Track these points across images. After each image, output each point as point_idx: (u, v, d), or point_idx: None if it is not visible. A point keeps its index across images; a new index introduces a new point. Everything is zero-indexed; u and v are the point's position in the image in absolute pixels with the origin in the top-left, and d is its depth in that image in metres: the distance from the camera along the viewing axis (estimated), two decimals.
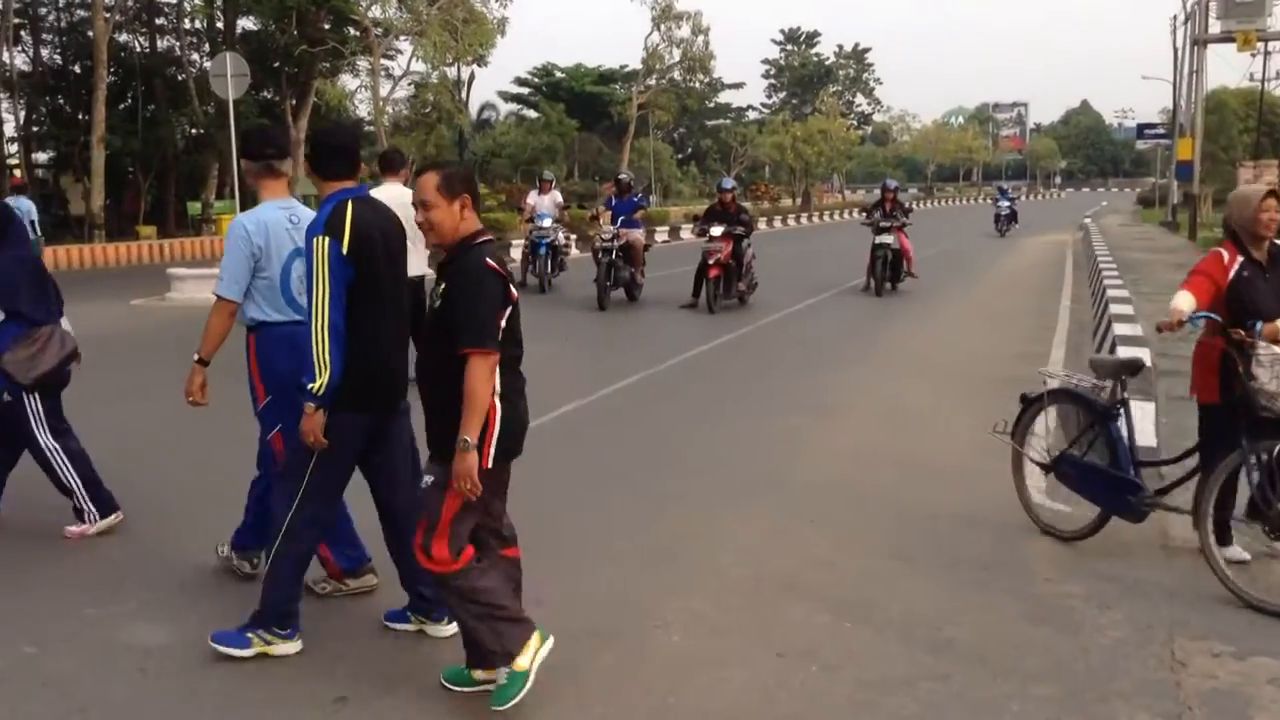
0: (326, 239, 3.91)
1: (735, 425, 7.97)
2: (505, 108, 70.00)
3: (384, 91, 31.19)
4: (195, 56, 36.71)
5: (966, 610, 4.48)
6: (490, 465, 3.60)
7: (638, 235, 16.08)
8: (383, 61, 32.37)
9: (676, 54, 38.95)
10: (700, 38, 38.26)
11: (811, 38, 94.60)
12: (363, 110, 40.26)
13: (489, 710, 3.57)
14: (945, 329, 13.50)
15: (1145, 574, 4.88)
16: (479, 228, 3.72)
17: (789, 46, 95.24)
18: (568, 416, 8.23)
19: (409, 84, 36.06)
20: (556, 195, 18.84)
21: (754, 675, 3.89)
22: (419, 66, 34.06)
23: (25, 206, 20.79)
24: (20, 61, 35.70)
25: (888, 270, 16.89)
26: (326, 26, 32.73)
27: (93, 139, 29.38)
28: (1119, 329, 9.74)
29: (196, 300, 17.38)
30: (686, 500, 6.04)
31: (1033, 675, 3.88)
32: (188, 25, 36.87)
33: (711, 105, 76.23)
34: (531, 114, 63.86)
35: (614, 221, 15.73)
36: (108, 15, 31.02)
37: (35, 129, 36.42)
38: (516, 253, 20.58)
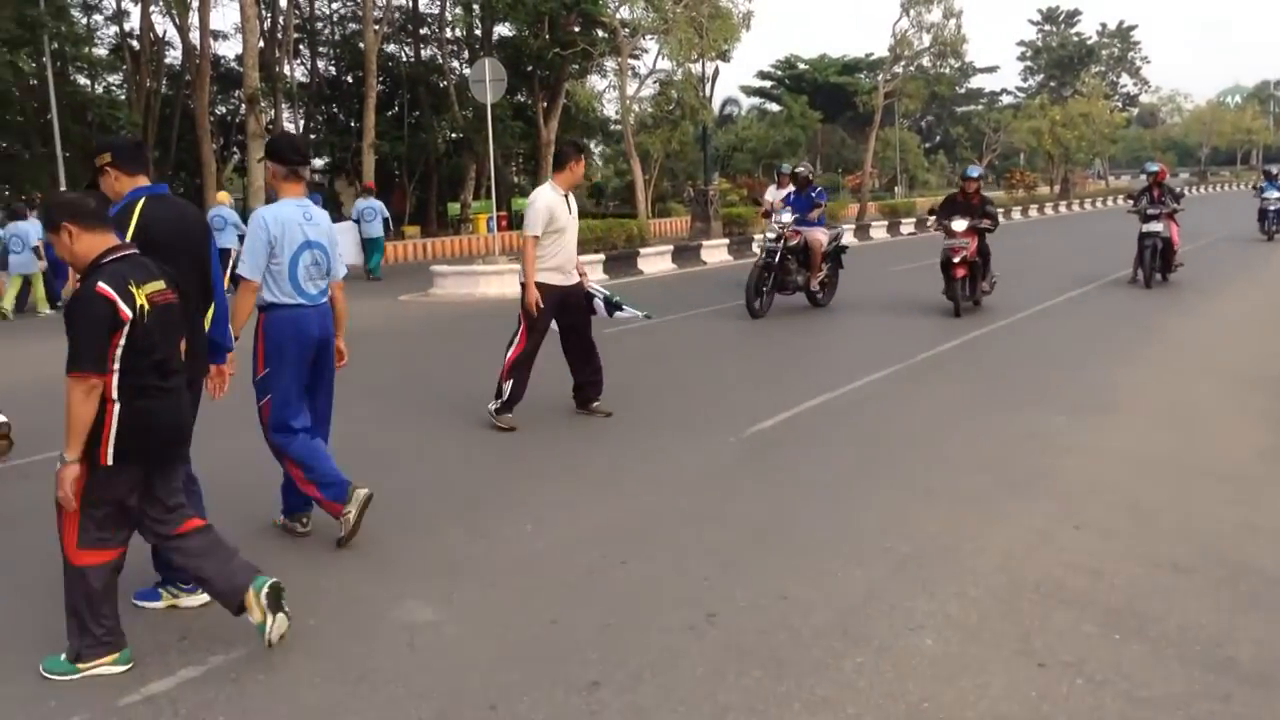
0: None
1: (993, 423, 7.65)
2: (747, 102, 70.14)
3: (630, 90, 31.74)
4: (455, 64, 38.57)
5: (1249, 628, 4.12)
6: (110, 463, 3.84)
7: (818, 236, 14.10)
8: (629, 61, 32.96)
9: (926, 39, 37.73)
10: (952, 21, 36.90)
11: (1071, 17, 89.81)
12: (610, 110, 41.24)
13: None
14: (1225, 325, 12.49)
15: None
16: (105, 248, 3.93)
17: (1047, 27, 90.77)
18: (815, 410, 8.13)
19: (654, 82, 36.58)
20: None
21: (1014, 684, 3.71)
22: (664, 64, 34.52)
23: (376, 206, 22.52)
24: (299, 74, 38.62)
25: (1157, 260, 15.77)
26: (577, 29, 33.66)
27: (364, 144, 31.40)
28: None
29: (456, 295, 18.34)
30: (942, 500, 5.84)
31: None
32: (449, 34, 38.80)
33: (963, 91, 73.72)
34: (774, 107, 63.69)
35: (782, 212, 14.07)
36: (377, 28, 33.06)
37: (312, 136, 39.29)
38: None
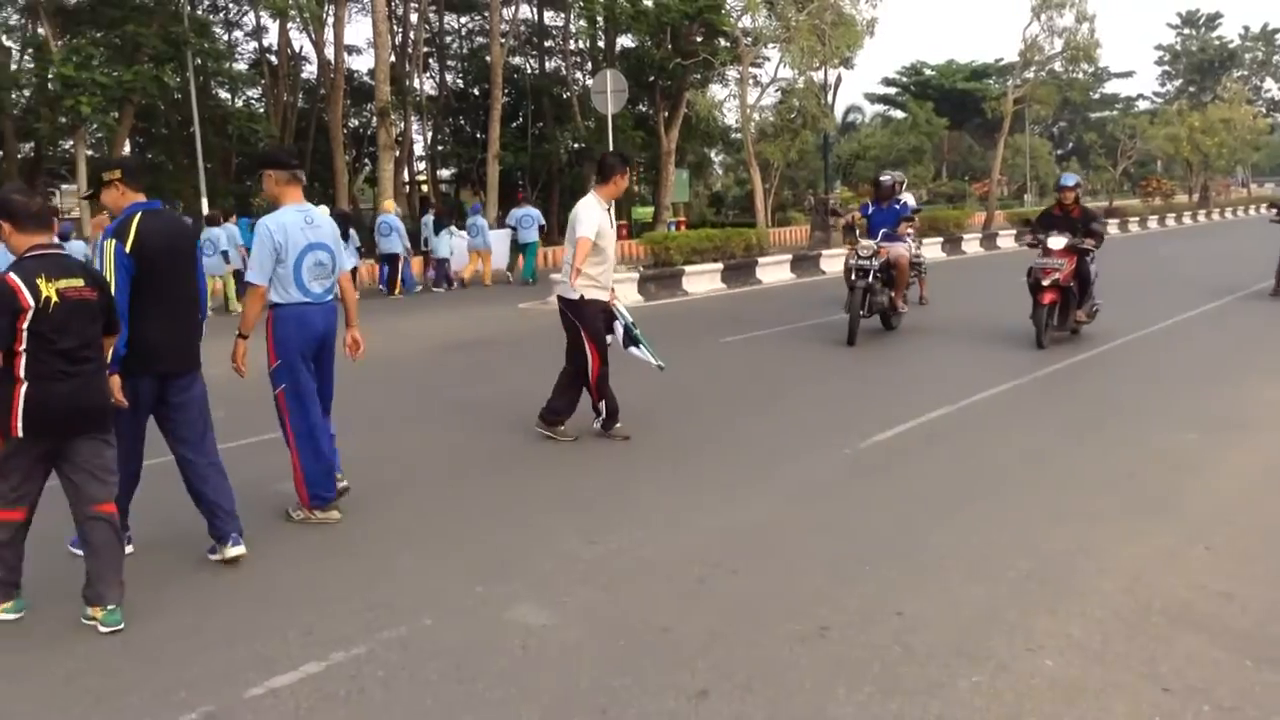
0: (113, 242, 5.07)
1: (1119, 440, 7.40)
2: (871, 109, 69.27)
3: (751, 99, 31.66)
4: (578, 75, 39.07)
5: None
6: (19, 435, 4.46)
7: (902, 251, 12.92)
8: (750, 69, 32.89)
9: (1058, 44, 36.63)
10: (1085, 25, 35.74)
11: (1212, 20, 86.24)
12: (730, 118, 41.20)
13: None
14: None
15: None
16: (30, 246, 4.58)
17: (1186, 30, 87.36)
18: (933, 423, 7.99)
19: (775, 90, 36.43)
20: (909, 199, 15.53)
21: (1137, 710, 3.58)
22: (786, 72, 34.37)
23: (533, 214, 23.22)
24: (428, 87, 39.60)
25: None
26: (699, 39, 33.77)
27: (489, 155, 32.02)
28: None
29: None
30: (1066, 517, 5.68)
31: None
32: (573, 46, 39.32)
33: (1097, 97, 71.55)
34: (898, 114, 62.77)
35: (871, 233, 12.65)
36: (503, 41, 33.73)
37: (440, 148, 40.26)
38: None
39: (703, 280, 20.27)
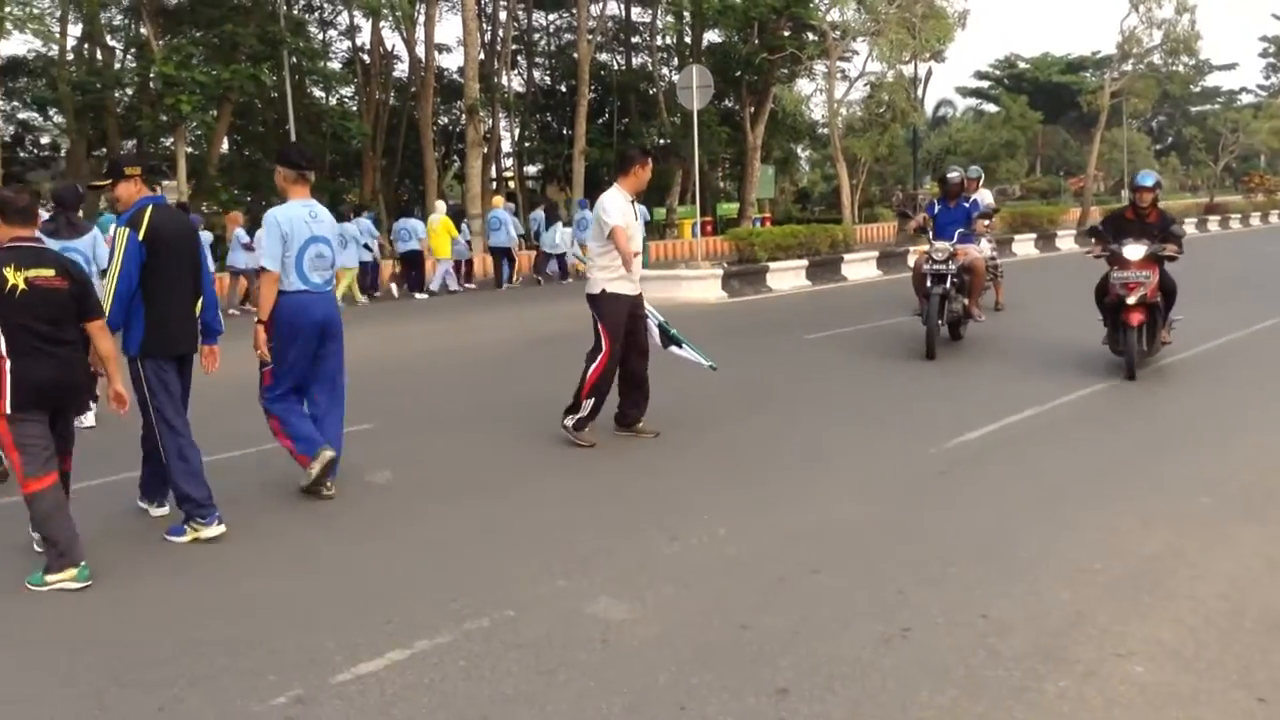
0: (126, 230, 5.54)
1: (1215, 444, 7.18)
2: (963, 103, 68.20)
3: (839, 93, 31.38)
4: (665, 71, 39.09)
5: None
6: (10, 411, 4.96)
7: (977, 255, 11.83)
8: (838, 63, 32.60)
9: (1157, 36, 35.66)
10: (1185, 17, 34.76)
11: None
12: (817, 113, 40.89)
13: None
14: None
15: None
16: (10, 238, 5.08)
17: None
18: (1021, 424, 7.84)
19: (864, 84, 36.06)
20: (986, 196, 14.70)
21: (1229, 719, 3.49)
22: (874, 66, 34.02)
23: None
24: (516, 84, 39.97)
25: None
26: (786, 33, 33.56)
27: (574, 151, 32.22)
28: None
29: (658, 299, 18.54)
30: (1159, 521, 5.53)
31: None
32: (659, 42, 39.37)
33: (1197, 90, 69.36)
34: (991, 108, 61.69)
35: (940, 234, 11.42)
36: (590, 38, 33.87)
37: (526, 144, 40.61)
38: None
39: (787, 277, 20.16)
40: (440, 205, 23.24)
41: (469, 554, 5.37)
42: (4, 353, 4.98)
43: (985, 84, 66.76)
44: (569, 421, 7.61)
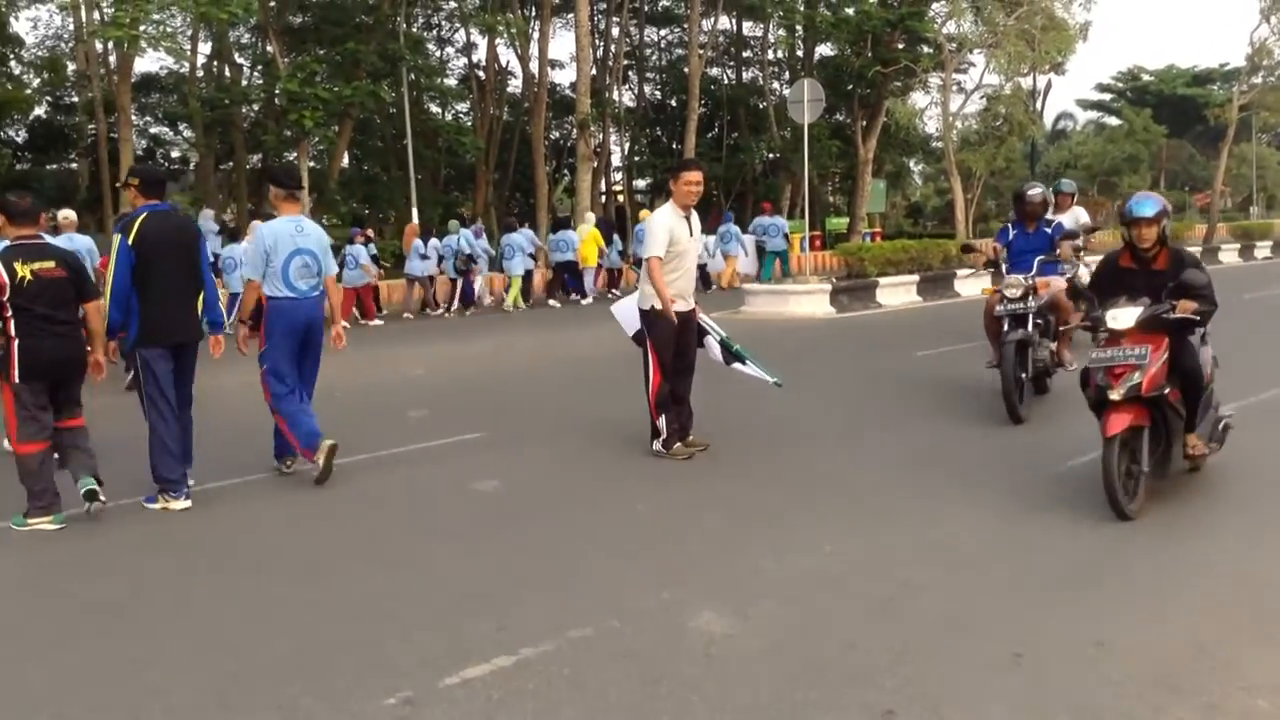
0: (118, 235, 6.43)
1: None
2: (1083, 116, 66.43)
3: (954, 106, 30.89)
4: (775, 85, 38.97)
5: None
6: (18, 380, 5.98)
7: (1061, 286, 9.30)
8: (954, 76, 32.09)
9: None
10: None
11: None
12: (931, 126, 40.30)
13: None
14: None
15: None
16: (16, 236, 6.13)
17: None
18: None
19: (980, 97, 35.44)
20: (1081, 215, 12.58)
21: None
22: (991, 78, 33.45)
23: (779, 223, 24.77)
24: (627, 98, 40.28)
25: None
26: (900, 46, 33.17)
27: None
28: None
29: (766, 314, 18.48)
30: None
31: None
32: (770, 56, 39.27)
33: None
34: (1113, 121, 59.97)
35: (1016, 266, 9.09)
36: (701, 52, 33.96)
37: (636, 158, 40.87)
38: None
39: (898, 292, 19.88)
40: (590, 217, 23.83)
41: (573, 563, 5.41)
42: (13, 333, 5.99)
43: (1107, 96, 64.88)
44: (656, 445, 7.62)
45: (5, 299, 5.97)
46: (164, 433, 6.50)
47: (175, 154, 36.57)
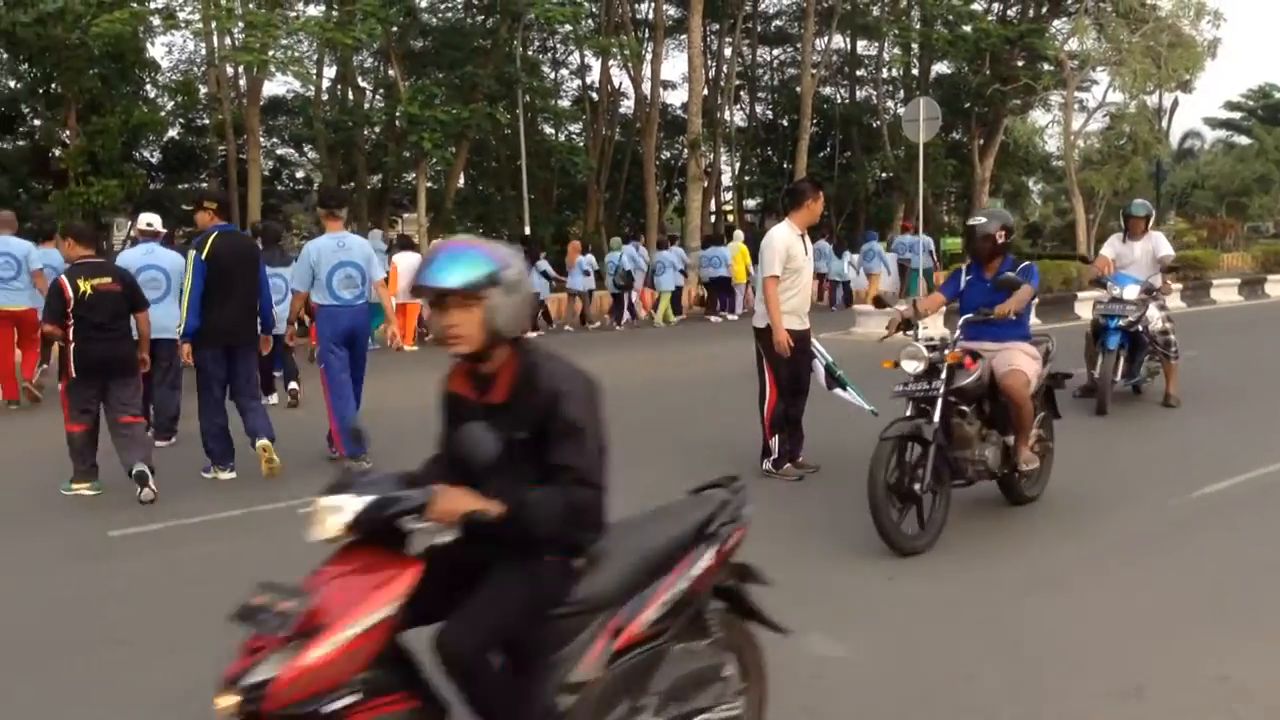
0: (193, 251, 7.64)
1: None
2: (1212, 135, 64.13)
3: (1076, 124, 30.16)
4: (890, 103, 38.56)
5: None
6: (74, 376, 7.18)
7: (1022, 365, 6.44)
8: (1076, 94, 31.33)
9: None
10: None
11: None
12: (1051, 145, 39.39)
13: None
14: None
15: None
16: (79, 256, 7.37)
17: None
18: (1268, 478, 7.29)
19: (1103, 115, 34.54)
20: (1159, 243, 10.17)
21: None
22: (1115, 96, 32.55)
23: (921, 241, 24.33)
24: (738, 118, 40.29)
25: None
26: (1020, 63, 32.56)
27: None
28: None
29: (877, 335, 18.23)
30: None
31: None
32: (885, 74, 38.88)
33: None
34: (1243, 140, 57.77)
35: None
36: (814, 71, 33.80)
37: (746, 178, 40.83)
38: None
39: None
40: (739, 234, 23.97)
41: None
42: (70, 338, 7.13)
43: (1237, 115, 62.52)
44: (767, 465, 7.59)
45: (70, 310, 7.11)
46: (210, 418, 7.72)
47: (300, 174, 37.80)
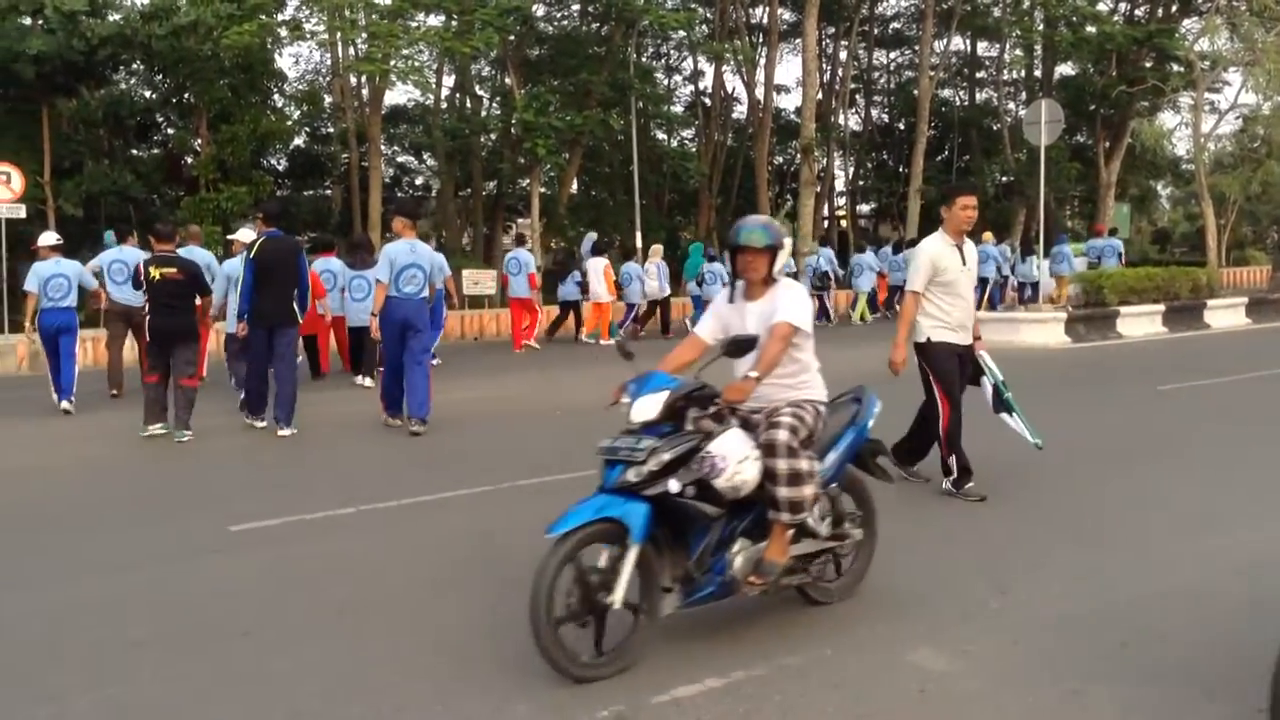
0: (245, 253, 10.17)
1: None
2: None
3: (1206, 127, 29.05)
4: (1011, 106, 37.71)
5: None
6: (149, 340, 9.84)
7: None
8: (1207, 95, 30.17)
9: None
10: None
11: None
12: (1180, 148, 38.03)
13: None
14: None
15: None
16: (159, 249, 10.05)
17: None
18: None
19: (1235, 117, 33.21)
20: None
21: None
22: (1248, 98, 31.27)
23: (989, 250, 24.08)
24: (853, 122, 39.87)
25: None
26: (1147, 64, 31.51)
27: (910, 189, 31.65)
28: None
29: (995, 343, 17.79)
30: None
31: None
32: (1006, 76, 38.05)
33: None
34: None
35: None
36: (932, 74, 33.24)
37: (860, 183, 40.34)
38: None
39: (1141, 322, 18.82)
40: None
41: (789, 591, 5.36)
42: (147, 312, 9.74)
43: None
44: (946, 485, 7.26)
45: (144, 292, 9.79)
46: (252, 375, 10.22)
47: (419, 181, 38.64)
